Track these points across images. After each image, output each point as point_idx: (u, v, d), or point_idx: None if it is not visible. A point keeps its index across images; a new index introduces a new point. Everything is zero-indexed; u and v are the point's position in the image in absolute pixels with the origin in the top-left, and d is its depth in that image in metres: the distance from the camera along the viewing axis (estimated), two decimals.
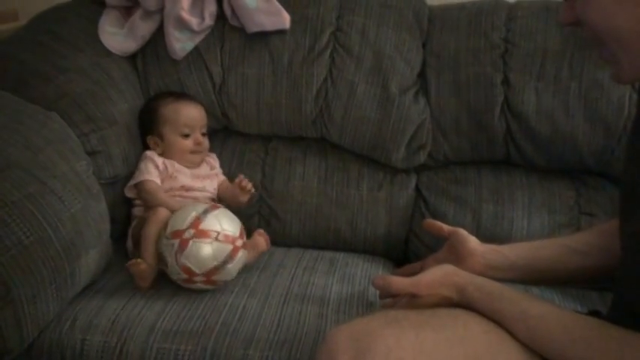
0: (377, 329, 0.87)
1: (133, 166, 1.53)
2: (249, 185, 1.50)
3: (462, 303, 0.97)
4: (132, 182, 1.49)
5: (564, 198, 1.56)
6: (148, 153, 1.52)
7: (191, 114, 1.54)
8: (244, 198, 1.52)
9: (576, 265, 1.09)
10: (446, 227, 1.25)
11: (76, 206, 1.25)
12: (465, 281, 0.98)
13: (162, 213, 1.36)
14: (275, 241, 1.60)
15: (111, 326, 1.20)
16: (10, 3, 1.92)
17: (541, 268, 1.12)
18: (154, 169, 1.48)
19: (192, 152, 1.53)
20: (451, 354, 0.86)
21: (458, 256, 1.18)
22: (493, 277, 1.07)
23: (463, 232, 1.22)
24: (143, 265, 1.29)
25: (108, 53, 1.59)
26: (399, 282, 1.06)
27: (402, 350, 0.84)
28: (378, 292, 1.22)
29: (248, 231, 1.58)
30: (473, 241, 1.18)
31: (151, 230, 1.33)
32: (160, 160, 1.50)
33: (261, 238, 1.45)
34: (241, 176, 1.51)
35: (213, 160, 1.60)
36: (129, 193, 1.50)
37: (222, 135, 1.68)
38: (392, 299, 1.19)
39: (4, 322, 1.09)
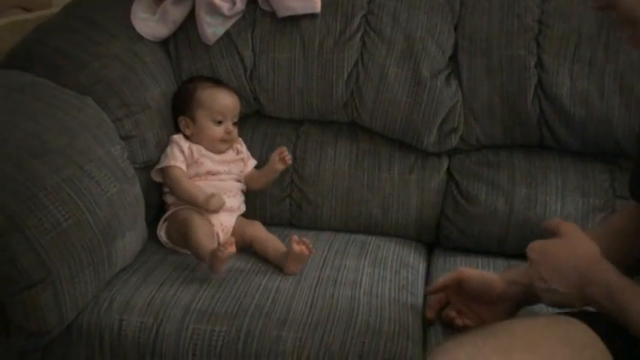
0: None
1: None
2: (289, 157, 1.55)
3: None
4: (158, 166, 1.50)
5: (598, 181, 1.55)
6: (175, 137, 1.52)
7: (226, 102, 1.54)
8: (280, 166, 1.55)
9: None
10: (448, 278, 1.19)
11: (112, 190, 1.27)
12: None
13: (197, 220, 1.40)
14: (306, 225, 1.62)
15: (147, 307, 1.22)
16: None
17: None
18: (179, 154, 1.48)
19: (222, 140, 1.53)
20: None
21: (485, 302, 1.15)
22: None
23: (475, 274, 1.18)
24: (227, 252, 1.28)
25: (141, 39, 1.60)
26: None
27: None
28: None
29: (277, 217, 1.62)
30: (497, 284, 1.14)
31: (198, 237, 1.36)
32: (186, 145, 1.50)
33: (301, 248, 1.34)
34: (284, 148, 1.55)
35: (240, 145, 1.60)
36: (155, 177, 1.51)
37: (253, 119, 1.69)
38: (438, 298, 1.21)
39: (44, 303, 1.12)
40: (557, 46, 1.54)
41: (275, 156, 1.55)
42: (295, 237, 1.35)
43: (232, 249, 1.27)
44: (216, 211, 1.43)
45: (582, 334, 0.95)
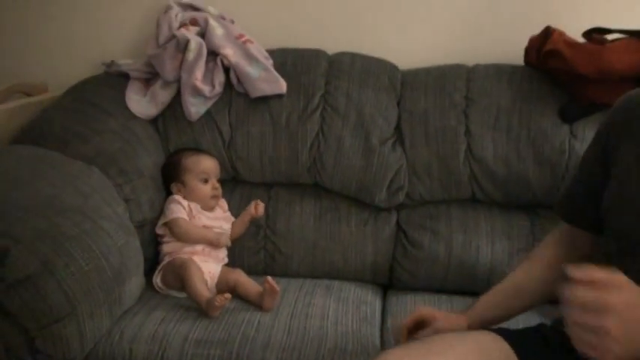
0: None
1: (158, 211, 1.80)
2: (261, 207, 1.84)
3: None
4: (164, 220, 1.76)
5: (521, 227, 1.85)
6: (175, 196, 1.79)
7: (208, 163, 1.83)
8: (252, 213, 1.83)
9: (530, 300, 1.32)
10: (410, 319, 1.33)
11: (121, 241, 1.52)
12: None
13: (193, 267, 1.64)
14: (278, 273, 1.87)
15: (152, 338, 1.46)
16: (40, 76, 2.21)
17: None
18: (182, 209, 1.75)
19: (212, 197, 1.80)
20: None
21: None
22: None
23: (440, 315, 1.32)
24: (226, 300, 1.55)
25: (134, 117, 1.89)
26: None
27: None
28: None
29: (254, 266, 1.87)
30: (462, 325, 1.30)
31: (195, 283, 1.60)
32: (185, 202, 1.77)
33: (269, 287, 1.60)
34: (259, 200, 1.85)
35: (224, 204, 1.88)
36: (159, 231, 1.77)
37: (230, 184, 1.96)
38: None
39: (69, 334, 1.35)
40: (481, 117, 1.85)
41: (251, 207, 1.84)
42: (268, 277, 1.61)
43: (226, 300, 1.54)
44: (224, 245, 1.73)
45: (494, 342, 1.17)
